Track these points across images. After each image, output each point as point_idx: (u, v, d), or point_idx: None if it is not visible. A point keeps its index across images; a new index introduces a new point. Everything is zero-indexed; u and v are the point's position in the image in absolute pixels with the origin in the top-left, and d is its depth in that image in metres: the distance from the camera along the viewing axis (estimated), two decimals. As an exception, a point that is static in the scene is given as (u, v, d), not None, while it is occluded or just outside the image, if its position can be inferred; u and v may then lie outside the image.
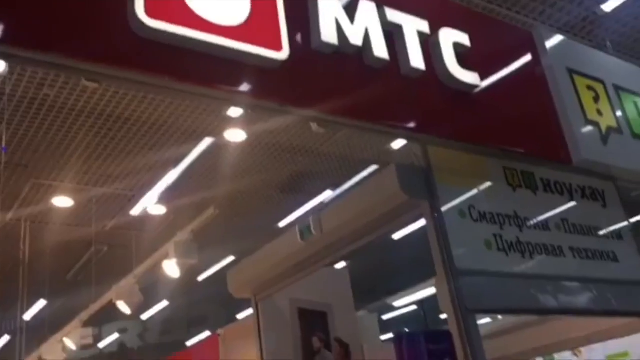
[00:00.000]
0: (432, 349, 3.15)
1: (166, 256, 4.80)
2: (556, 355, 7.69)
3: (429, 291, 8.03)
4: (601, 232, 4.22)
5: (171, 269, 4.94)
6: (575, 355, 7.56)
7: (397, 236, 9.71)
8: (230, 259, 9.25)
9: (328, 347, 5.47)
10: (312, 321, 5.49)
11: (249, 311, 7.35)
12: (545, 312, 3.83)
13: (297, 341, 5.35)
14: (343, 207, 4.25)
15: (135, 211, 7.49)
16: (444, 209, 3.53)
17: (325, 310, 5.60)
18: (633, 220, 4.53)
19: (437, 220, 3.49)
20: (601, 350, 7.19)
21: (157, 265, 5.20)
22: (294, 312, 5.42)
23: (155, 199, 7.11)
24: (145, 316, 10.95)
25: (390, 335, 8.21)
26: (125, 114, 5.52)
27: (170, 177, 6.82)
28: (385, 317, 10.56)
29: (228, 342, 7.08)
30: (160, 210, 7.56)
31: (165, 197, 7.21)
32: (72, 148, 5.93)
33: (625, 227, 4.40)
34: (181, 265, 4.89)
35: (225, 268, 7.76)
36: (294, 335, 5.36)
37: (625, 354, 6.94)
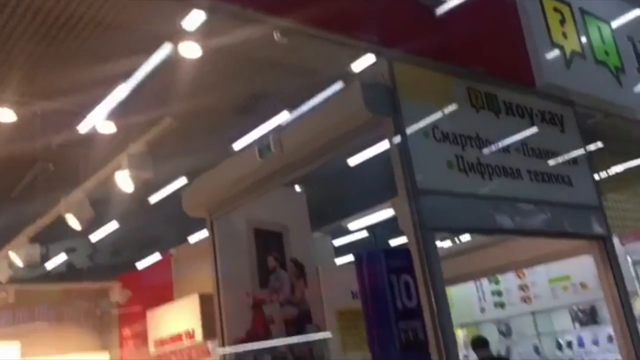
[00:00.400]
0: (391, 266, 3.16)
1: (118, 168, 4.60)
2: (500, 277, 8.03)
3: (382, 215, 8.17)
4: (558, 157, 4.28)
5: (124, 181, 4.75)
6: (519, 277, 7.91)
7: (352, 162, 9.72)
8: (183, 180, 9.08)
9: (283, 266, 5.49)
10: (268, 241, 5.46)
11: (200, 235, 7.31)
12: (501, 232, 3.89)
13: (252, 260, 5.33)
14: (305, 124, 4.14)
15: (83, 128, 7.17)
16: (407, 127, 3.47)
17: (281, 231, 5.58)
18: (589, 146, 4.61)
19: (401, 139, 3.44)
20: (544, 274, 7.54)
21: (108, 182, 5.01)
22: (250, 232, 5.37)
23: (105, 116, 6.80)
24: (95, 237, 10.77)
25: (342, 259, 8.35)
26: (71, 21, 5.16)
27: (120, 92, 6.50)
28: (337, 243, 10.69)
29: (181, 262, 7.06)
30: (109, 128, 7.26)
31: (115, 114, 6.91)
32: (13, 55, 5.55)
33: (580, 152, 4.47)
34: (135, 179, 4.71)
35: (177, 191, 7.60)
36: (250, 255, 5.34)
37: (566, 278, 7.30)
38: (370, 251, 3.17)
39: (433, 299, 3.13)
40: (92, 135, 7.32)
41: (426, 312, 3.12)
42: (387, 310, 3.02)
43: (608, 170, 6.04)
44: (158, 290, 7.05)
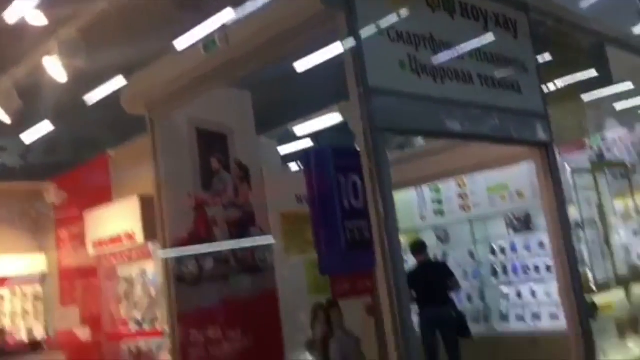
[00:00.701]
0: (339, 165, 3.10)
1: (48, 54, 4.25)
2: (441, 186, 8.18)
3: (330, 120, 8.07)
4: (509, 63, 4.25)
5: (55, 69, 4.41)
6: (459, 186, 8.08)
7: (300, 67, 9.45)
8: (122, 81, 8.63)
9: (227, 169, 5.39)
10: (211, 142, 5.32)
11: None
12: (450, 135, 3.88)
13: (194, 161, 5.19)
14: (254, 17, 3.90)
15: (10, 18, 6.59)
16: (361, 24, 3.33)
17: (225, 133, 5.43)
18: (539, 56, 4.59)
19: (354, 35, 3.29)
20: (483, 183, 7.71)
21: (39, 72, 4.63)
22: (192, 132, 5.20)
23: (34, 4, 6.25)
24: (29, 137, 10.25)
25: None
26: None
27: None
28: (282, 151, 10.61)
29: (120, 163, 6.83)
30: (39, 19, 6.70)
31: (45, 3, 6.36)
32: None
33: (531, 60, 4.44)
34: (67, 67, 4.38)
35: (117, 92, 7.20)
36: (192, 156, 5.19)
37: (504, 187, 7.48)
38: (319, 149, 3.09)
39: (380, 199, 3.11)
40: (21, 25, 6.77)
41: (373, 211, 3.10)
42: (334, 208, 2.98)
43: (554, 82, 6.07)
44: (96, 192, 6.84)
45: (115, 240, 6.18)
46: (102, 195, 6.65)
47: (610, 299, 4.97)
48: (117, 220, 6.19)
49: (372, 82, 3.27)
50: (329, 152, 3.08)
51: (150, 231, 5.59)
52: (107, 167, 6.84)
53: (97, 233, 6.50)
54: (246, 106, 5.69)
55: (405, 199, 7.88)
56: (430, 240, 7.92)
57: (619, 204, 5.80)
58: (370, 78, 3.26)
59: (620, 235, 5.61)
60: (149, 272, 6.22)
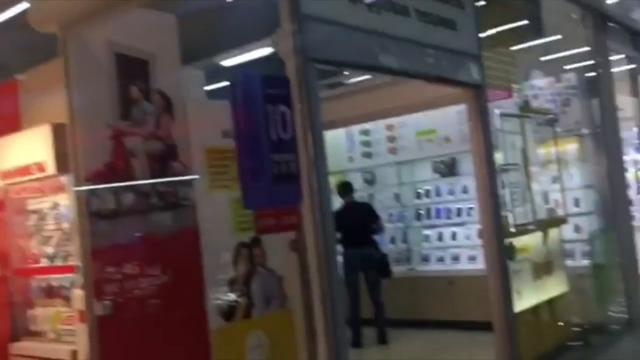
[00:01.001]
0: (268, 94, 2.91)
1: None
2: (370, 128, 8.16)
3: (259, 53, 7.79)
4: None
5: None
6: (388, 130, 8.08)
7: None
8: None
9: (148, 98, 5.06)
10: (131, 69, 4.94)
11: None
12: (383, 70, 3.73)
13: (112, 89, 4.83)
14: None
15: None
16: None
17: (147, 59, 5.06)
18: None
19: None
20: (412, 127, 7.74)
21: None
22: (111, 56, 4.80)
23: None
24: None
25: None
26: None
27: None
28: (209, 88, 10.25)
29: (31, 88, 6.33)
30: None
31: None
32: None
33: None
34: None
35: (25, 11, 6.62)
36: (109, 83, 4.82)
37: (432, 131, 7.54)
38: (248, 75, 2.88)
39: (310, 133, 2.98)
40: None
41: (302, 145, 2.97)
42: (260, 138, 2.81)
43: (485, 27, 6.03)
44: (4, 119, 6.31)
45: (24, 171, 5.77)
46: (11, 123, 6.17)
47: (528, 242, 5.12)
48: (27, 150, 5.76)
49: (306, 10, 3.08)
50: (258, 79, 2.88)
51: (62, 162, 5.24)
52: (16, 93, 6.33)
53: (5, 163, 6.05)
54: (170, 31, 5.30)
55: (334, 141, 7.80)
56: (357, 182, 7.93)
57: (540, 151, 5.94)
58: (304, 5, 3.07)
59: (540, 182, 5.76)
60: (61, 205, 5.88)
